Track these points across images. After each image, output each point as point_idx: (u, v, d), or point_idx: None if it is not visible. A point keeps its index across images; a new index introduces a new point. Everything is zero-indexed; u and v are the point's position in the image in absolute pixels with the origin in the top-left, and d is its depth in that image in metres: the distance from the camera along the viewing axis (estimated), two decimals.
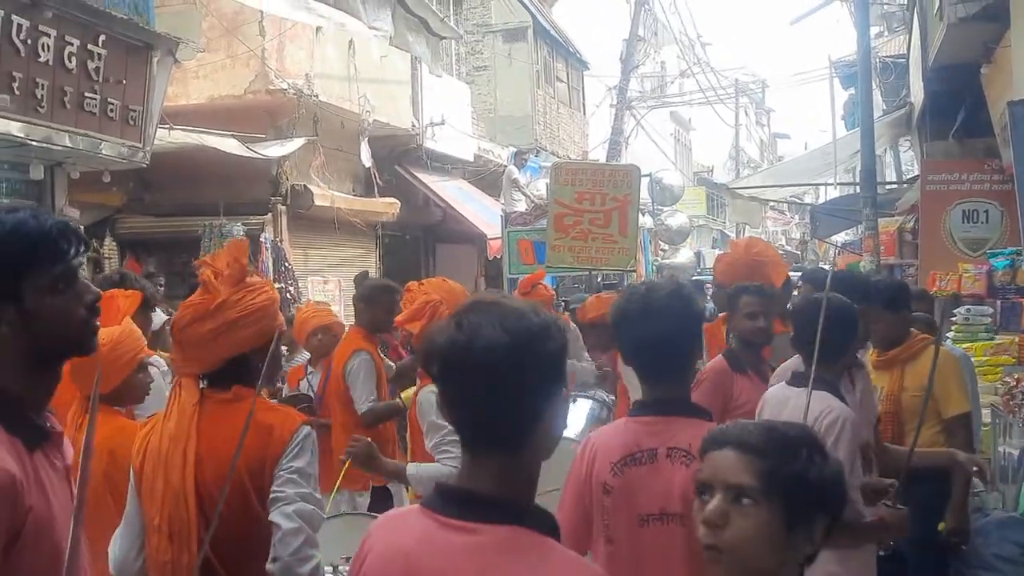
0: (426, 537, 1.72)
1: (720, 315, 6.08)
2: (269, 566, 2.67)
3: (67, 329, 1.90)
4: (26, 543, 1.77)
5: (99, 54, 8.63)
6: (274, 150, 12.20)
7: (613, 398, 6.40)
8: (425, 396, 4.03)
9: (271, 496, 2.71)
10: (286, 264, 12.39)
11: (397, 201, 15.37)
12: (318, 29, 12.45)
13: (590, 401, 6.10)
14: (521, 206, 15.67)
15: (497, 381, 1.67)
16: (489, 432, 1.73)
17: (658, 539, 2.66)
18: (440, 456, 3.85)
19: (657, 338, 2.71)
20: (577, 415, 5.83)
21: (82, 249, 1.93)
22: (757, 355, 4.77)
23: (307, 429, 2.82)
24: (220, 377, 2.87)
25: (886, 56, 17.79)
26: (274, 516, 2.69)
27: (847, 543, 3.31)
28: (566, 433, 5.60)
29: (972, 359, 6.60)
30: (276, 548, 2.66)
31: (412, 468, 3.96)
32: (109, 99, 8.85)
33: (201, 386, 2.93)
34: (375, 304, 5.80)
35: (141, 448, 2.90)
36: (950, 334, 7.68)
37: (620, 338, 2.86)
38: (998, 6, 7.74)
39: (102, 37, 8.64)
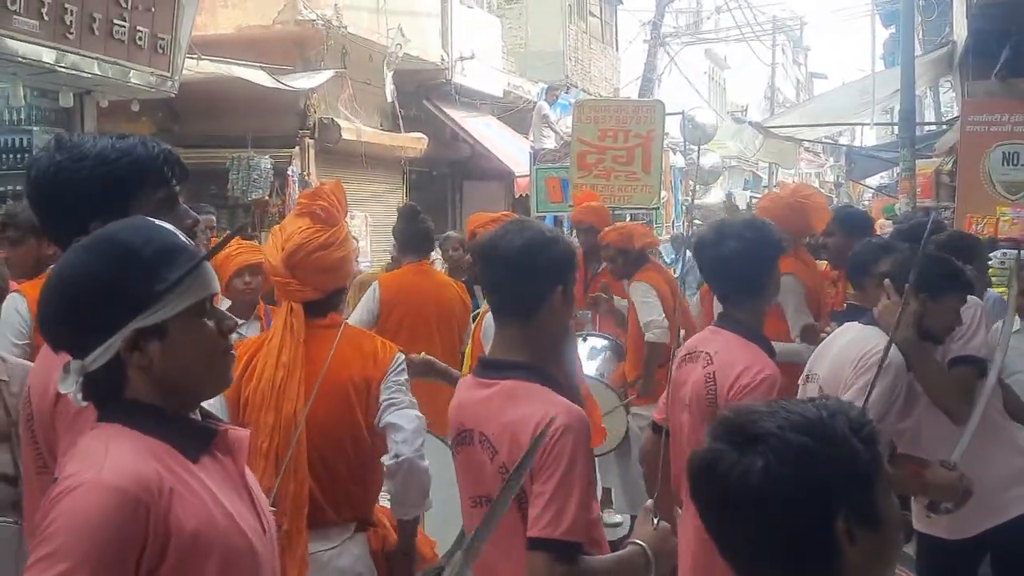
0: (468, 392, 2.46)
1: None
2: (390, 462, 2.81)
3: None
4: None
5: None
6: (302, 82, 12.10)
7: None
8: (491, 321, 4.06)
9: (384, 404, 2.88)
10: None
11: (425, 136, 15.25)
12: None
13: (602, 340, 6.03)
14: (550, 143, 15.52)
15: (513, 269, 2.36)
16: (508, 307, 2.42)
17: None
18: None
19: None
20: (586, 352, 5.82)
21: (183, 177, 2.02)
22: None
23: (403, 355, 3.01)
24: (321, 306, 2.98)
25: None
26: (391, 418, 2.85)
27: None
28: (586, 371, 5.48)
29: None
30: (397, 445, 2.82)
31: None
32: (138, 27, 8.78)
33: None
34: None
35: (247, 372, 2.91)
36: None
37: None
38: None
39: None
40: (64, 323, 1.62)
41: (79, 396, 1.63)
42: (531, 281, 2.36)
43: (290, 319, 2.92)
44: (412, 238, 5.68)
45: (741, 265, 3.08)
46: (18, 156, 9.06)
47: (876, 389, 3.06)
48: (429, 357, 3.84)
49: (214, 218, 6.98)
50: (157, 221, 1.68)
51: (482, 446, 2.35)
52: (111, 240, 1.63)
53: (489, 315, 4.18)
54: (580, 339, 5.84)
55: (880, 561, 1.37)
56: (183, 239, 1.67)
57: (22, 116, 9.13)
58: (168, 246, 1.63)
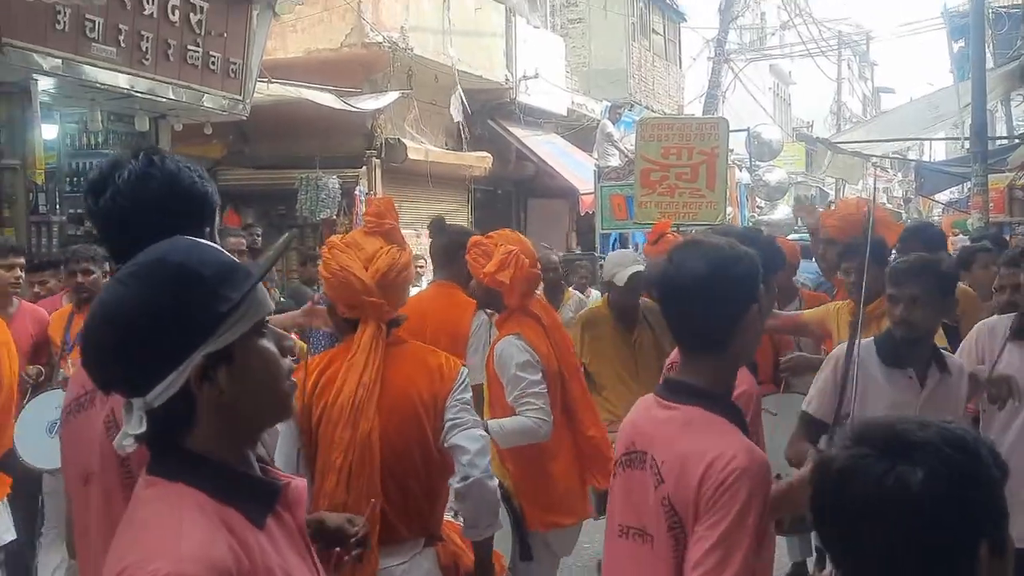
0: (647, 411, 2.31)
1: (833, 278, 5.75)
2: (459, 485, 2.85)
3: None
4: None
5: (201, 7, 8.80)
6: (369, 103, 12.30)
7: None
8: (505, 348, 3.92)
9: (449, 424, 2.91)
10: None
11: (489, 155, 15.37)
12: None
13: None
14: (615, 161, 15.50)
15: (696, 298, 2.18)
16: (696, 336, 2.24)
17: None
18: (521, 408, 3.82)
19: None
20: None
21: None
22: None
23: (467, 369, 3.05)
24: (391, 324, 3.04)
25: (999, 6, 16.99)
26: (458, 440, 2.88)
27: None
28: None
29: None
30: (465, 468, 2.85)
31: (494, 424, 3.86)
32: (211, 52, 9.03)
33: None
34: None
35: (319, 387, 2.96)
36: None
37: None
38: None
39: None
40: (121, 360, 1.46)
41: (127, 442, 1.48)
42: (719, 310, 2.19)
43: (375, 339, 2.97)
44: (435, 254, 5.13)
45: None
46: None
47: (817, 383, 3.31)
48: None
49: (243, 241, 6.71)
50: (196, 239, 1.60)
51: (652, 471, 2.18)
52: (162, 263, 1.50)
53: (499, 344, 3.97)
54: None
55: None
56: (231, 256, 1.59)
57: (99, 140, 9.44)
58: (224, 265, 1.53)
